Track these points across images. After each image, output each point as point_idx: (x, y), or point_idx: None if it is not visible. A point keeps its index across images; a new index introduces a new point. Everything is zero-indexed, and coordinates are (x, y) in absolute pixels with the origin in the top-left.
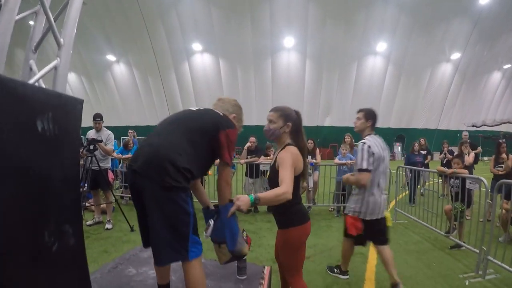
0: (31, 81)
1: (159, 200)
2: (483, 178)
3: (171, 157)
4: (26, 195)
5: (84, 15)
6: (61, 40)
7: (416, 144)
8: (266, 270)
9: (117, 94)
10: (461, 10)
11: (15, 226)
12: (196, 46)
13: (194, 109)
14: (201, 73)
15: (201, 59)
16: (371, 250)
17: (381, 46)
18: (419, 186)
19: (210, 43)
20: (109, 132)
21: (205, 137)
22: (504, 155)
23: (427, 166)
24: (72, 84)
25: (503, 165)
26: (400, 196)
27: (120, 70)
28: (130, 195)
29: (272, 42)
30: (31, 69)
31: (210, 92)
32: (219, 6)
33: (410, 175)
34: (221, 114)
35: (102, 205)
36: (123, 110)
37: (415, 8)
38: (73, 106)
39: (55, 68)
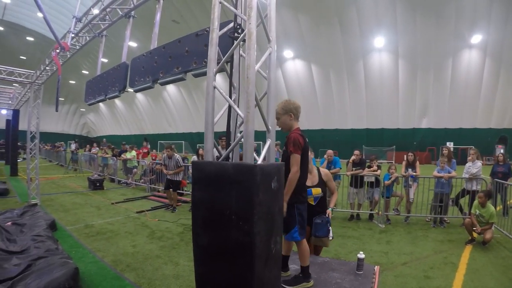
0: (260, 160)
1: None
2: None
3: None
4: (267, 220)
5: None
6: (270, 127)
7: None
8: (376, 268)
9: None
10: None
11: (266, 242)
12: (288, 53)
13: None
14: (295, 79)
15: (293, 65)
16: (462, 261)
17: (476, 38)
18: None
19: (301, 50)
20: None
21: None
22: None
23: None
24: (172, 95)
25: None
26: (498, 208)
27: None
28: None
29: (362, 43)
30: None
31: (304, 98)
32: (306, 12)
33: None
34: None
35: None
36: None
37: None
38: (282, 169)
39: (269, 147)
